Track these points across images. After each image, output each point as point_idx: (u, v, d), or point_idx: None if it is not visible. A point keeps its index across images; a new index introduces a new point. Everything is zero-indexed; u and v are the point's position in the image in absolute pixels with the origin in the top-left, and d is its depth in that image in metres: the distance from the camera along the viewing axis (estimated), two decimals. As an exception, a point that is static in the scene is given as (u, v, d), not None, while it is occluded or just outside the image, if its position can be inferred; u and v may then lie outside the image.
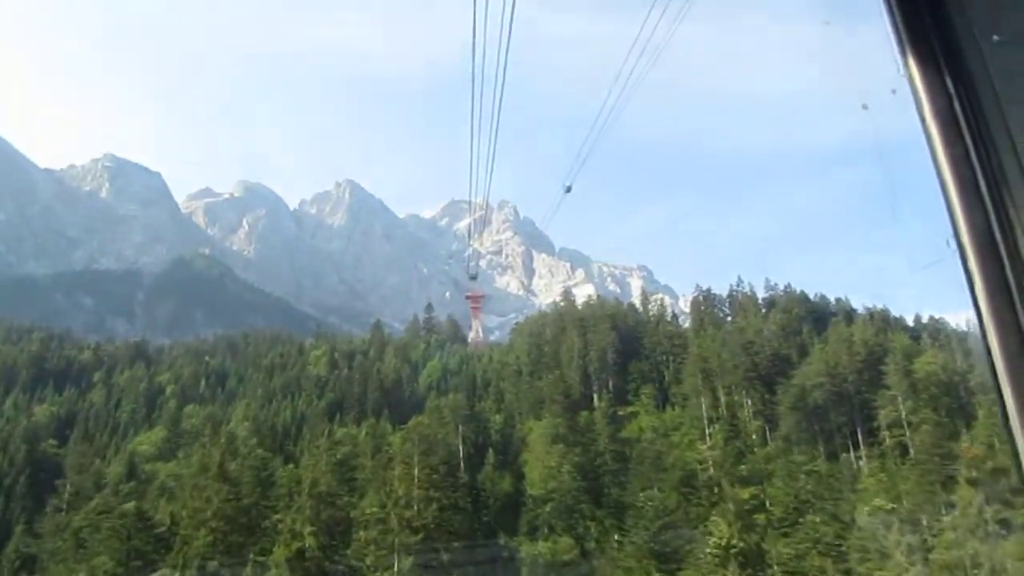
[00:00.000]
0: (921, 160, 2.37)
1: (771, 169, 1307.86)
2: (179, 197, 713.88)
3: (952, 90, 2.33)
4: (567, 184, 15.34)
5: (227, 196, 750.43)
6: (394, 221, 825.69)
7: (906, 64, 2.42)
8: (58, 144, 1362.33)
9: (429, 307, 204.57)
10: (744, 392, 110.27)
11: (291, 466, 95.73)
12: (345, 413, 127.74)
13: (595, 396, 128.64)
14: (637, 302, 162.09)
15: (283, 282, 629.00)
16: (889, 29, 2.46)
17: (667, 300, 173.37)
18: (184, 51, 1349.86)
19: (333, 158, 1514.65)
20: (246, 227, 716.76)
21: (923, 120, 2.36)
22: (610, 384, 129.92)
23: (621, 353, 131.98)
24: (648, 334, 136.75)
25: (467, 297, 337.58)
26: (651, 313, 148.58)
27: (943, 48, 2.36)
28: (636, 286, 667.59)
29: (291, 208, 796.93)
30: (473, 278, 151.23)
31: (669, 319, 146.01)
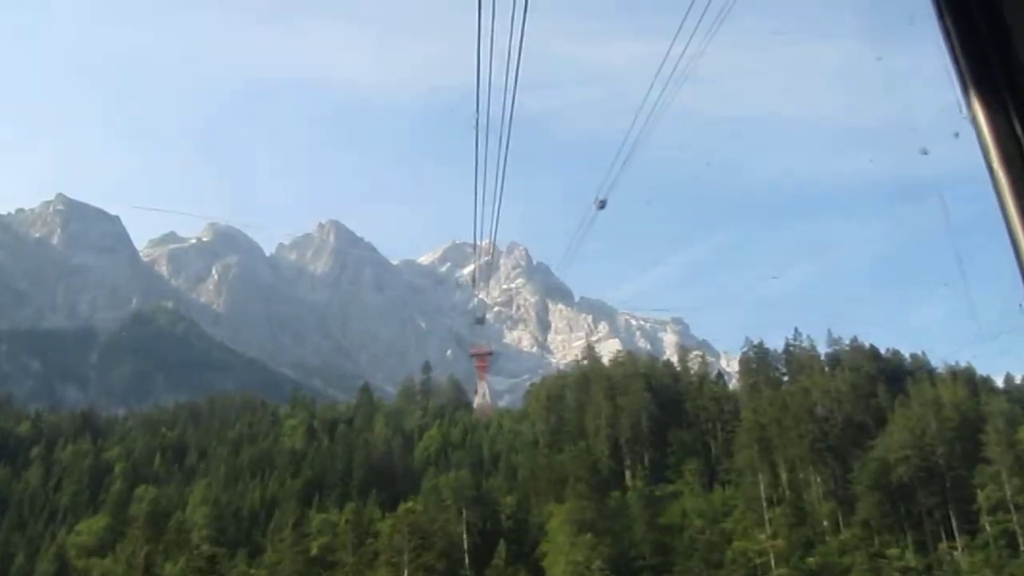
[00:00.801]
0: (988, 211, 2.32)
1: (820, 208, 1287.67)
2: (139, 244, 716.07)
3: (1022, 136, 2.31)
4: (599, 199, 14.80)
5: (194, 241, 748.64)
6: (386, 268, 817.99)
7: (969, 106, 2.40)
8: (5, 186, 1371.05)
9: (427, 367, 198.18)
10: (811, 467, 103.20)
11: (253, 567, 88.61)
12: (325, 494, 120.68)
13: (628, 472, 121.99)
14: (674, 359, 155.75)
15: (258, 339, 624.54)
16: (950, 67, 2.45)
17: (708, 357, 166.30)
18: (148, 81, 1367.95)
19: (316, 198, 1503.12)
20: (216, 276, 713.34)
21: (990, 168, 2.34)
22: (645, 458, 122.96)
23: (658, 420, 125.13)
24: (690, 397, 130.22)
25: (472, 354, 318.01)
26: (692, 372, 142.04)
27: (1011, 91, 2.34)
28: (670, 342, 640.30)
29: (267, 254, 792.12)
30: (480, 322, 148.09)
31: (713, 379, 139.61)
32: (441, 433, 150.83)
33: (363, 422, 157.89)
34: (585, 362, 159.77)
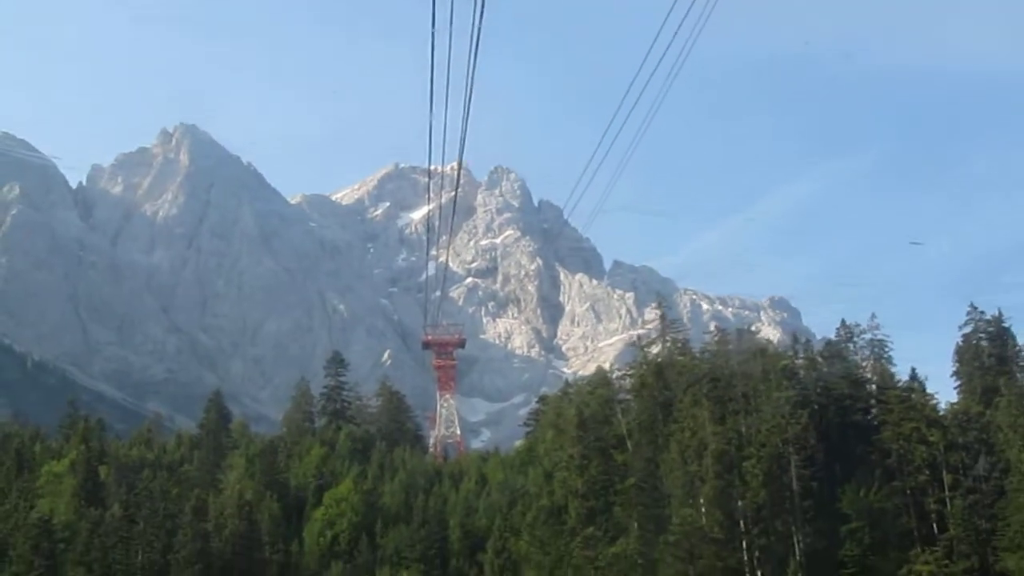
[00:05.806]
0: None
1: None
2: None
3: None
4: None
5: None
6: (279, 210, 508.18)
7: None
8: None
9: (336, 360, 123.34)
10: None
11: None
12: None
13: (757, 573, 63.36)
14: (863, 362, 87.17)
15: (53, 330, 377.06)
16: None
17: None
18: None
19: (158, 95, 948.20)
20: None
21: None
22: (797, 540, 64.32)
23: (817, 462, 67.83)
24: (889, 421, 70.31)
25: (425, 344, 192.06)
26: (861, 372, 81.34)
27: None
28: (769, 338, 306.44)
29: (72, 184, 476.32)
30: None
31: (917, 386, 75.89)
32: (360, 495, 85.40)
33: (205, 470, 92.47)
34: (653, 351, 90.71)
